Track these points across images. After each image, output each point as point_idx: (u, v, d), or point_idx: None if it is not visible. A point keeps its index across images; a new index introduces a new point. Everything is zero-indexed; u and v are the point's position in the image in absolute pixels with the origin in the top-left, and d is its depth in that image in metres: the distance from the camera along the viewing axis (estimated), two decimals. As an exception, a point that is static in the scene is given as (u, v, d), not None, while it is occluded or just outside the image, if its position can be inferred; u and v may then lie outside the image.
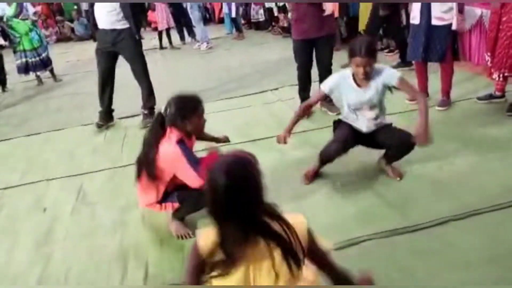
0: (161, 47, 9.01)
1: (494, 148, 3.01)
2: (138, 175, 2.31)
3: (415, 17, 3.79)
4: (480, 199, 2.40)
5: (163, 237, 2.43)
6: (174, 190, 2.33)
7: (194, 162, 2.17)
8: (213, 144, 2.70)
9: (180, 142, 2.17)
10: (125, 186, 3.02)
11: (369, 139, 2.73)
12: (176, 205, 2.36)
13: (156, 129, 2.22)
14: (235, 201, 1.21)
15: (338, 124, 2.81)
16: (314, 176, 2.84)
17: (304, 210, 2.52)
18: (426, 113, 2.43)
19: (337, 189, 2.73)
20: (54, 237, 2.57)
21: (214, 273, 1.26)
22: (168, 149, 2.16)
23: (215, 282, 1.28)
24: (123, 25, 3.98)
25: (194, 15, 8.39)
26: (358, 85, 2.59)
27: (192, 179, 2.15)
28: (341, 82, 2.63)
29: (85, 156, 3.73)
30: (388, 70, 2.58)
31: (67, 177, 3.33)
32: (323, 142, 2.81)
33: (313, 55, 3.88)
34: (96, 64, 4.23)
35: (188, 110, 2.20)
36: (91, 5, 4.11)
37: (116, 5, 3.92)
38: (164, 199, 2.35)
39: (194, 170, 2.13)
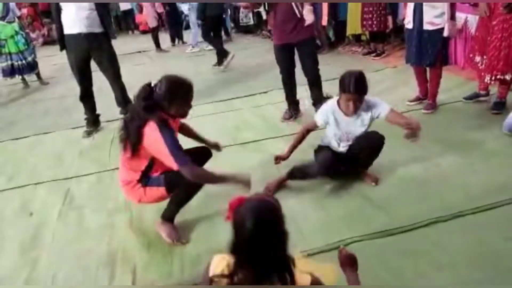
0: (159, 47, 8.93)
1: (478, 150, 3.07)
2: (123, 146, 2.22)
3: (409, 21, 3.82)
4: (465, 201, 2.45)
5: (151, 240, 2.42)
6: (162, 173, 2.27)
7: (173, 146, 2.10)
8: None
9: (161, 124, 2.10)
10: (113, 190, 2.99)
11: (346, 159, 2.72)
12: (161, 189, 2.27)
13: (144, 100, 2.14)
14: (259, 245, 1.25)
15: (318, 150, 2.80)
16: (278, 188, 2.82)
17: (293, 212, 2.54)
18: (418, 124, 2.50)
19: (326, 191, 2.75)
20: (41, 241, 2.54)
21: None
22: (151, 132, 2.10)
23: None
24: (100, 28, 3.87)
25: (192, 17, 8.42)
26: (346, 115, 2.61)
27: (171, 163, 2.10)
28: (330, 114, 2.64)
29: (73, 159, 3.70)
30: (379, 104, 2.60)
31: (54, 181, 3.30)
32: (309, 146, 2.84)
33: (294, 59, 3.85)
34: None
35: (178, 93, 2.17)
36: (58, 11, 3.85)
37: (93, 6, 3.77)
38: (148, 182, 2.28)
39: (173, 156, 2.08)
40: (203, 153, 2.63)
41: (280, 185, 2.83)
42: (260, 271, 1.27)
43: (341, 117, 2.63)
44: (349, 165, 2.76)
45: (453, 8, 3.63)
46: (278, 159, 2.80)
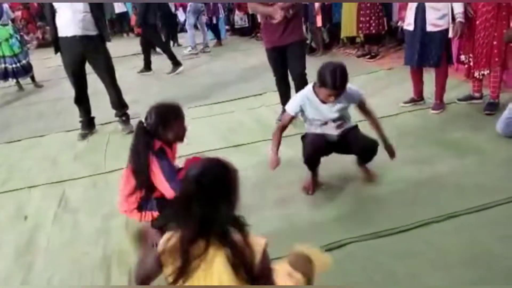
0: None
1: (472, 150, 3.09)
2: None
3: (409, 23, 3.85)
4: (458, 201, 2.46)
5: (147, 243, 2.42)
6: (155, 198, 2.26)
7: (170, 173, 2.13)
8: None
9: (158, 152, 2.14)
10: (108, 193, 3.00)
11: (338, 145, 2.73)
12: (155, 214, 2.27)
13: (142, 137, 2.17)
14: (205, 196, 1.23)
15: (306, 135, 2.78)
16: (314, 185, 2.78)
17: (288, 213, 2.55)
18: (383, 133, 2.69)
19: (321, 192, 2.75)
20: (36, 246, 2.53)
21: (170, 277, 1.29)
22: (153, 166, 2.12)
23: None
24: (94, 31, 3.86)
25: (190, 20, 8.45)
26: (323, 102, 2.58)
27: (166, 191, 2.12)
28: (305, 101, 2.61)
29: (67, 163, 3.69)
30: (353, 91, 2.62)
31: (49, 184, 3.28)
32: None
33: (286, 62, 3.86)
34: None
35: (168, 118, 2.19)
36: (52, 13, 3.82)
37: (87, 9, 3.77)
38: (144, 206, 2.28)
39: (168, 182, 2.10)
40: None
41: (315, 182, 2.78)
42: (198, 227, 1.24)
43: (316, 104, 2.59)
44: (339, 151, 2.77)
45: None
46: (274, 166, 2.70)
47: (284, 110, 4.06)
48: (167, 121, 2.17)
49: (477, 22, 3.62)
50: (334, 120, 2.67)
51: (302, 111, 2.66)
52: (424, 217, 2.34)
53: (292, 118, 2.69)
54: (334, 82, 2.39)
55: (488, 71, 3.69)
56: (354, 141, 2.69)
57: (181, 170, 2.19)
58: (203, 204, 1.24)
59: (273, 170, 2.69)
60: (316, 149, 2.65)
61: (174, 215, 1.31)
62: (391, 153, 2.72)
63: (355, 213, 2.51)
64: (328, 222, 2.44)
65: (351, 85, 2.61)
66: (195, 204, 1.24)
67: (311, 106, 2.62)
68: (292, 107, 2.67)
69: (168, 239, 1.31)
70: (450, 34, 3.68)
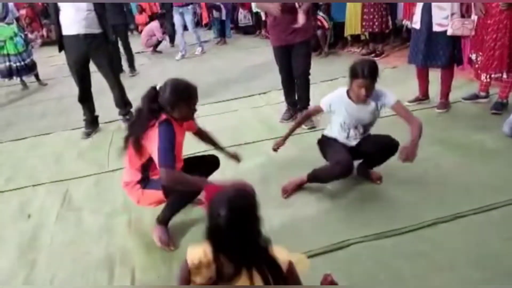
0: (156, 48, 8.92)
1: (478, 150, 3.06)
2: (125, 144, 2.27)
3: (416, 21, 3.81)
4: (464, 201, 2.44)
5: (150, 242, 2.40)
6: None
7: (165, 145, 2.07)
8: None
9: (164, 122, 2.12)
10: (112, 192, 2.99)
11: (353, 151, 2.70)
12: (159, 193, 2.25)
13: (150, 101, 2.16)
14: (234, 233, 1.28)
15: (326, 143, 2.74)
16: (295, 190, 2.76)
17: (291, 213, 2.54)
18: (418, 135, 2.41)
19: (327, 192, 2.73)
20: (39, 244, 2.53)
21: None
22: (151, 132, 2.12)
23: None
24: (98, 29, 3.86)
25: (189, 19, 8.45)
26: (356, 102, 2.57)
27: (158, 164, 2.07)
28: (338, 101, 2.61)
29: (71, 161, 3.69)
30: (387, 93, 2.59)
31: (52, 182, 3.28)
32: (309, 146, 2.82)
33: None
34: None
35: (181, 97, 2.17)
36: (56, 11, 3.83)
37: (91, 7, 3.76)
38: (147, 184, 2.29)
39: (159, 153, 2.05)
40: (210, 162, 2.59)
41: (299, 187, 2.77)
42: (237, 258, 1.31)
43: (351, 105, 2.59)
44: (359, 160, 2.77)
45: (462, 6, 3.61)
46: (277, 147, 2.80)
47: (288, 108, 4.08)
48: (178, 99, 2.15)
49: (489, 22, 3.51)
50: (364, 125, 2.65)
51: (332, 109, 2.65)
52: (430, 217, 2.32)
53: (319, 111, 2.72)
54: (363, 69, 2.42)
55: (500, 74, 3.56)
56: (372, 143, 2.66)
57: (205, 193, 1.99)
58: (234, 236, 1.29)
59: (273, 150, 2.76)
60: (345, 171, 2.55)
61: (210, 239, 1.35)
62: (406, 155, 2.37)
63: (359, 213, 2.49)
64: (333, 222, 2.42)
65: (384, 89, 2.60)
66: (225, 236, 1.29)
67: (344, 107, 2.60)
68: (326, 102, 2.66)
69: (200, 256, 1.36)
70: (449, 32, 3.61)
